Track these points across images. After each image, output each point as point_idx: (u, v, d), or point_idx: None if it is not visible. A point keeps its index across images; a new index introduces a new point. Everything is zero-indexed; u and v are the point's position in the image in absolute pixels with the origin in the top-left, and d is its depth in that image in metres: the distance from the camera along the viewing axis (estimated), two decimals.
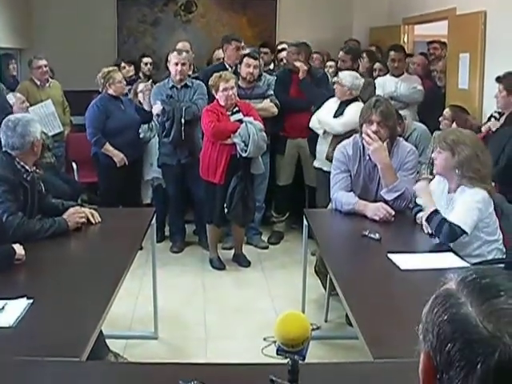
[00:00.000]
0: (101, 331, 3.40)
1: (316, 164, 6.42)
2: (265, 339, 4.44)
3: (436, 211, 3.93)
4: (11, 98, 6.27)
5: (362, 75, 6.81)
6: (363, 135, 4.57)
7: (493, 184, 4.13)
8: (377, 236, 3.97)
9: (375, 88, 6.86)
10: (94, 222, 4.23)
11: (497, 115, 5.44)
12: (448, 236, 3.84)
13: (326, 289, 5.01)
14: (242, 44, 7.13)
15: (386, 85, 7.12)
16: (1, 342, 2.52)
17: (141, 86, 6.89)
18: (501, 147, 4.90)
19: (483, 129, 5.24)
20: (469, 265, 3.50)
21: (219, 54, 7.68)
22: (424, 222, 4.11)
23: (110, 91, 6.44)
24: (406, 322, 2.78)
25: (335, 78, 7.32)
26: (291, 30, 9.01)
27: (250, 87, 6.55)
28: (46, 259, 3.63)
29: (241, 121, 5.88)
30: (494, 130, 5.24)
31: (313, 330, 4.25)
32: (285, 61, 7.80)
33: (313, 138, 6.68)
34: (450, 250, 3.79)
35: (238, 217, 6.09)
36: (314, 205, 6.70)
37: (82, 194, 7.01)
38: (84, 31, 9.24)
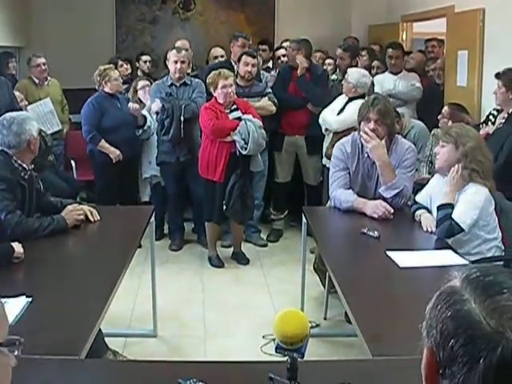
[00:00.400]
0: (100, 329, 3.40)
1: (322, 161, 6.42)
2: (264, 337, 4.45)
3: (450, 204, 3.93)
4: None
5: None
6: (361, 133, 4.57)
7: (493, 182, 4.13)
8: (376, 234, 3.97)
9: (373, 86, 6.85)
10: (92, 219, 4.23)
11: (495, 112, 5.44)
12: (445, 232, 3.87)
13: (325, 286, 5.01)
14: (250, 42, 7.17)
15: (384, 82, 7.12)
16: None
17: (141, 84, 6.89)
18: (499, 145, 4.90)
19: (481, 132, 5.24)
20: (467, 262, 3.51)
21: (216, 51, 7.69)
22: (422, 219, 4.13)
23: (106, 89, 6.44)
24: (405, 320, 2.80)
25: (333, 76, 7.36)
26: (289, 28, 9.01)
27: (248, 85, 6.55)
28: (45, 257, 3.62)
29: (239, 118, 5.88)
30: (491, 132, 5.24)
31: (312, 327, 4.25)
32: (282, 58, 7.82)
33: (310, 136, 6.70)
34: (448, 247, 3.80)
35: (236, 214, 6.10)
36: (313, 202, 6.71)
37: (80, 192, 7.01)
38: (83, 29, 9.22)
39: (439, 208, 3.98)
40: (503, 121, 5.26)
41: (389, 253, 3.62)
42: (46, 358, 2.34)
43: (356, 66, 7.42)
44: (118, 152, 6.41)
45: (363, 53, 7.89)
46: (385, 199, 4.49)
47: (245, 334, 4.77)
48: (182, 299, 5.44)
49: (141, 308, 5.14)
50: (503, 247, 4.01)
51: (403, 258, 3.54)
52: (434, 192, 4.20)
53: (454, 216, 3.85)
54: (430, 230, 4.02)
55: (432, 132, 5.89)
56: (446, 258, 3.59)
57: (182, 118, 6.17)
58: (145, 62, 8.27)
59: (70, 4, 9.29)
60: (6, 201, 3.78)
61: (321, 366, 2.55)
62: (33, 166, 4.13)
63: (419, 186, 5.22)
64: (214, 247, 6.35)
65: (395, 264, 3.48)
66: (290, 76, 6.85)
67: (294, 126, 6.82)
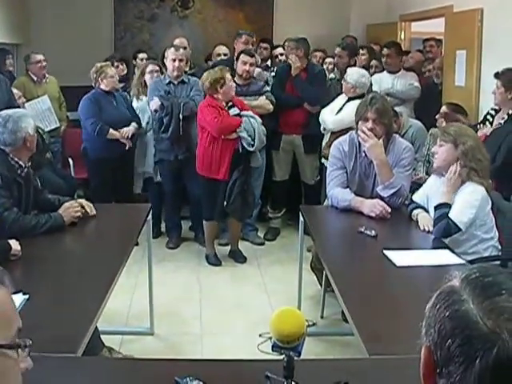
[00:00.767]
0: (96, 326, 3.39)
1: (322, 160, 6.43)
2: (261, 335, 4.43)
3: (446, 204, 3.94)
4: None
5: None
6: (359, 132, 4.57)
7: (490, 181, 4.14)
8: (373, 233, 3.98)
9: (371, 85, 6.86)
10: (89, 212, 4.22)
11: (493, 112, 5.44)
12: (442, 231, 3.88)
13: (321, 285, 5.02)
14: (254, 39, 7.20)
15: (382, 81, 7.13)
16: None
17: (150, 67, 6.84)
18: (497, 145, 4.90)
19: (480, 133, 5.24)
20: (464, 262, 3.51)
21: (220, 49, 7.70)
22: (419, 219, 4.14)
23: (102, 86, 6.43)
24: (402, 319, 2.81)
25: (331, 75, 7.36)
26: (288, 27, 9.00)
27: (246, 84, 6.55)
28: (42, 255, 3.62)
29: (239, 115, 5.90)
30: (488, 134, 5.24)
31: (308, 326, 4.24)
32: (280, 57, 7.84)
33: (308, 135, 6.71)
34: (445, 247, 3.80)
35: (236, 211, 6.11)
36: (310, 201, 6.72)
37: (77, 189, 7.00)
38: (81, 27, 9.21)
39: (436, 207, 3.98)
40: (502, 121, 5.25)
41: (386, 252, 3.63)
42: (43, 356, 2.33)
43: (354, 64, 7.43)
44: (127, 129, 6.47)
45: (363, 51, 7.90)
46: (382, 198, 4.49)
47: (241, 332, 4.78)
48: (178, 297, 5.44)
49: (138, 306, 5.14)
50: (500, 247, 4.02)
51: (400, 257, 3.54)
52: (432, 191, 4.20)
53: (450, 215, 3.86)
54: (426, 229, 4.02)
55: (430, 131, 5.89)
56: (443, 257, 3.59)
57: (180, 116, 6.17)
58: (141, 59, 8.26)
59: (68, 1, 9.28)
60: (3, 198, 3.78)
61: (317, 364, 2.56)
62: (30, 163, 4.13)
63: (416, 185, 5.23)
64: (211, 245, 6.35)
65: (392, 263, 3.48)
66: (287, 75, 6.85)
67: (292, 125, 6.83)
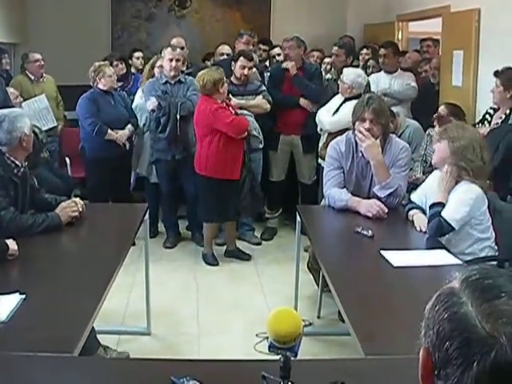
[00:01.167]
0: (92, 326, 3.39)
1: (319, 160, 6.43)
2: (257, 335, 4.43)
3: (440, 203, 3.95)
4: None
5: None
6: (356, 132, 4.57)
7: (488, 182, 4.14)
8: (369, 233, 3.98)
9: (369, 85, 6.86)
10: (80, 210, 4.20)
11: (491, 112, 5.44)
12: (434, 230, 3.90)
13: (318, 285, 5.01)
14: (255, 40, 7.22)
15: (379, 81, 7.13)
16: None
17: (160, 61, 6.82)
18: (495, 145, 4.91)
19: None
20: (461, 262, 3.52)
21: (223, 49, 7.70)
22: (414, 219, 4.15)
23: (100, 85, 6.43)
24: (399, 319, 2.81)
25: (328, 75, 7.36)
26: (285, 27, 8.99)
27: (243, 84, 6.56)
28: (39, 255, 3.62)
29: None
30: (485, 134, 5.24)
31: (305, 326, 4.24)
32: (277, 57, 7.84)
33: (306, 135, 6.71)
34: (440, 246, 3.81)
35: (247, 208, 6.21)
36: (307, 201, 6.72)
37: (75, 188, 7.00)
38: (78, 26, 9.21)
39: (430, 207, 4.00)
40: (500, 120, 5.25)
41: (382, 252, 3.63)
42: (40, 356, 2.34)
43: (351, 63, 7.44)
44: (122, 133, 6.46)
45: (367, 51, 7.91)
46: (379, 198, 4.49)
47: (238, 332, 4.78)
48: (175, 297, 5.44)
49: (135, 305, 5.14)
50: (496, 247, 4.02)
51: (397, 258, 3.54)
52: (430, 191, 4.20)
53: (443, 214, 3.87)
54: (423, 229, 4.03)
55: (427, 132, 5.89)
56: (440, 257, 3.60)
57: (178, 116, 6.18)
58: (137, 58, 8.25)
59: (66, 0, 9.27)
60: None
61: (314, 364, 2.56)
62: (27, 163, 4.13)
63: (413, 185, 5.24)
64: (210, 245, 6.35)
65: (389, 263, 3.48)
66: (283, 75, 6.86)
67: (290, 125, 6.83)
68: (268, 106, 6.57)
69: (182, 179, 6.54)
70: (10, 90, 6.41)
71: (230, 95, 6.30)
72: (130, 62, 8.23)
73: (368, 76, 7.02)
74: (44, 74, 7.81)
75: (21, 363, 2.27)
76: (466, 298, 1.08)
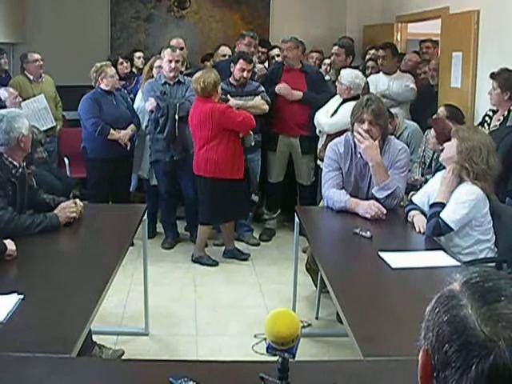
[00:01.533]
0: None
1: (317, 162, 6.42)
2: (255, 336, 4.42)
3: (440, 203, 3.95)
4: (4, 93, 6.25)
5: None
6: (355, 133, 4.57)
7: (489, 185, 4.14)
8: (368, 234, 3.98)
9: (368, 86, 6.86)
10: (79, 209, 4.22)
11: (491, 113, 5.42)
12: (432, 229, 3.91)
13: (316, 286, 5.01)
14: (256, 41, 7.22)
15: (378, 83, 7.14)
16: None
17: (158, 62, 6.83)
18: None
19: None
20: (459, 263, 3.52)
21: (224, 50, 7.70)
22: (414, 220, 4.15)
23: (102, 85, 6.44)
24: (397, 321, 2.81)
25: (327, 77, 7.36)
26: (285, 27, 9.00)
27: (241, 84, 6.55)
28: (37, 255, 3.62)
29: None
30: None
31: (303, 327, 4.24)
32: (276, 58, 7.84)
33: (305, 136, 6.71)
34: (441, 248, 3.81)
35: (239, 210, 6.34)
36: (305, 202, 6.72)
37: (73, 189, 7.00)
38: (77, 26, 9.21)
39: (430, 206, 4.00)
40: (498, 123, 5.25)
41: (381, 253, 3.63)
42: (38, 356, 2.34)
43: (351, 64, 7.44)
44: (125, 133, 6.47)
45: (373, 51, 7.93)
46: (377, 199, 4.49)
47: (236, 332, 4.78)
48: (174, 298, 5.43)
49: (133, 306, 5.14)
50: (496, 249, 4.02)
51: (395, 259, 3.54)
52: (433, 192, 4.20)
53: (442, 214, 3.88)
54: (422, 230, 4.03)
55: (425, 133, 5.89)
56: (438, 258, 3.60)
57: (176, 117, 6.19)
58: (138, 57, 8.27)
59: (65, 1, 9.27)
60: None
61: (312, 366, 2.56)
62: (25, 163, 4.12)
63: (412, 186, 5.24)
64: (203, 248, 6.34)
65: (387, 265, 3.48)
66: (280, 71, 6.89)
67: (289, 127, 6.83)
68: (266, 106, 6.57)
69: (181, 180, 6.54)
70: (10, 89, 6.42)
71: (229, 96, 6.30)
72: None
73: (367, 77, 7.03)
74: (43, 75, 7.81)
75: (19, 364, 2.27)
76: (466, 300, 1.08)
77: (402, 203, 4.60)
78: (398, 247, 3.83)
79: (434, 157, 5.57)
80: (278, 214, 7.25)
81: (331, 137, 5.60)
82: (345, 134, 4.82)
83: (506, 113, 5.20)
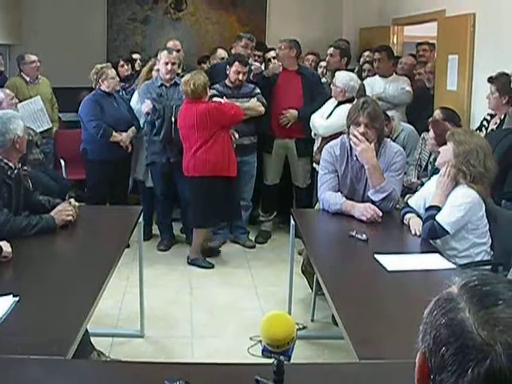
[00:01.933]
0: (86, 329, 3.39)
1: (313, 164, 6.42)
2: (251, 338, 4.45)
3: (436, 206, 3.96)
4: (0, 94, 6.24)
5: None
6: (351, 136, 4.57)
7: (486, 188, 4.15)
8: (364, 237, 3.98)
9: (365, 89, 6.86)
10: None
11: (488, 118, 5.42)
12: (427, 232, 3.92)
13: (312, 288, 5.01)
14: (253, 43, 7.22)
15: (375, 85, 7.14)
16: None
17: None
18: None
19: None
20: (455, 266, 3.52)
21: (221, 53, 7.70)
22: (410, 223, 4.15)
23: (103, 87, 6.45)
24: (393, 323, 2.81)
25: (323, 79, 7.36)
26: (281, 30, 8.99)
27: (237, 86, 6.56)
28: (33, 257, 3.62)
29: None
30: None
31: (299, 329, 4.25)
32: (273, 60, 7.83)
33: (301, 138, 6.71)
34: (436, 251, 3.81)
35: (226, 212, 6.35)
36: (301, 204, 6.72)
37: (69, 191, 6.99)
38: (73, 28, 9.19)
39: (426, 209, 4.01)
40: (494, 126, 5.25)
41: (377, 256, 3.62)
42: (33, 358, 2.33)
43: (346, 66, 7.44)
44: (125, 135, 6.49)
45: (368, 53, 7.93)
46: (373, 202, 4.49)
47: (232, 335, 4.77)
48: (169, 300, 5.43)
49: (128, 308, 5.13)
50: (492, 253, 4.03)
51: (391, 262, 3.54)
52: (429, 195, 4.20)
53: (438, 217, 3.89)
54: (418, 233, 4.03)
55: (421, 135, 5.90)
56: (434, 261, 3.60)
57: (172, 119, 6.19)
58: (135, 59, 8.28)
59: (61, 2, 9.26)
60: None
61: (307, 368, 2.56)
62: (20, 164, 4.12)
63: (408, 189, 5.24)
64: (199, 251, 6.33)
65: (383, 267, 3.48)
66: (276, 77, 6.90)
67: (285, 129, 6.83)
68: (262, 108, 6.58)
69: (177, 182, 6.53)
70: (6, 91, 6.40)
71: (225, 98, 6.31)
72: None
73: (363, 80, 7.04)
74: (39, 76, 7.80)
75: (14, 366, 2.26)
76: (464, 304, 1.08)
77: (397, 206, 4.61)
78: (394, 250, 3.83)
79: (431, 159, 5.58)
80: (273, 216, 7.25)
81: (326, 139, 5.60)
82: (341, 137, 4.82)
83: (502, 116, 5.21)
